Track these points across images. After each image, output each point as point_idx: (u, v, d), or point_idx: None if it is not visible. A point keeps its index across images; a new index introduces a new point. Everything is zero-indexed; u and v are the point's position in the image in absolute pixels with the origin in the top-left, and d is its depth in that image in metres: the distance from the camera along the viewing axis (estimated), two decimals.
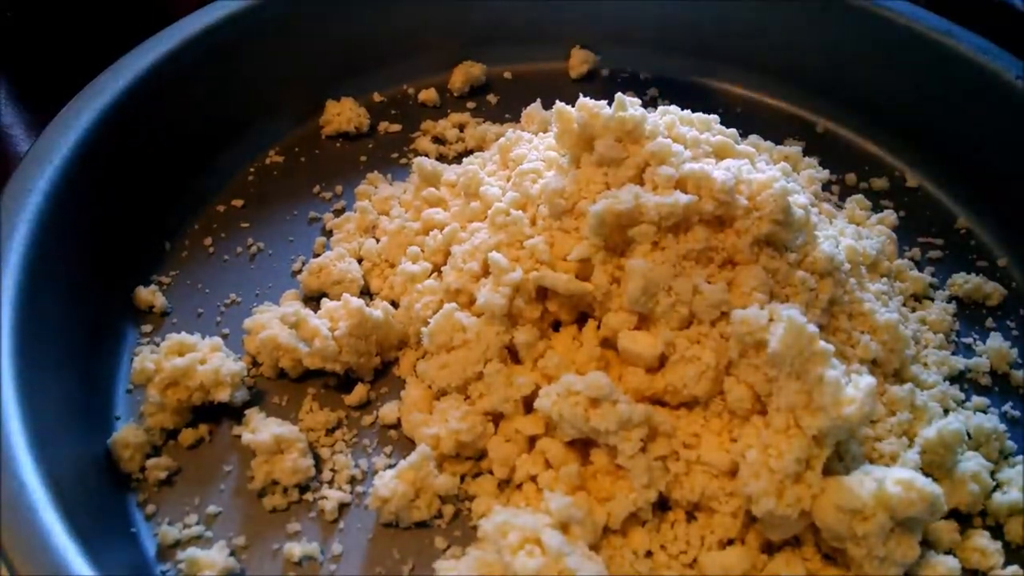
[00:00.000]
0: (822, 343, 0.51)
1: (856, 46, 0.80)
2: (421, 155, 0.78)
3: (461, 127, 0.82)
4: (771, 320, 0.53)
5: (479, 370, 0.58)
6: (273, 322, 0.62)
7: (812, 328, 0.52)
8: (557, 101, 0.61)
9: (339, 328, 0.61)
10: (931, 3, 0.79)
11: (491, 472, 0.58)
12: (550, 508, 0.53)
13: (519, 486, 0.57)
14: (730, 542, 0.54)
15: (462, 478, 0.58)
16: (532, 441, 0.58)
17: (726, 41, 0.84)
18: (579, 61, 0.87)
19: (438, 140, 0.81)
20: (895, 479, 0.49)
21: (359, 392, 0.62)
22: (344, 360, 0.61)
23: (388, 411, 0.62)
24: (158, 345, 0.62)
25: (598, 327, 0.59)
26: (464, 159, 0.76)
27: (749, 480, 0.52)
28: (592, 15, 0.87)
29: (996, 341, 0.66)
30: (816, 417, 0.51)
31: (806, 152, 0.79)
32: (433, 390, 0.61)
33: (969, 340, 0.68)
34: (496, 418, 0.59)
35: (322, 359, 0.61)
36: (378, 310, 0.63)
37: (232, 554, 0.54)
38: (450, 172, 0.72)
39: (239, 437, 0.59)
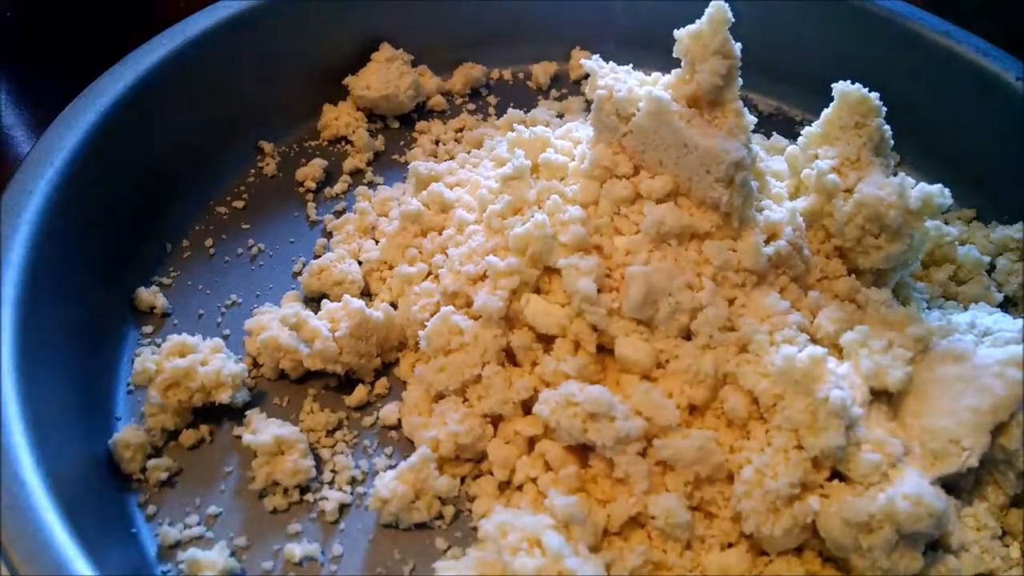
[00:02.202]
0: (831, 362, 0.52)
1: (856, 46, 0.80)
2: (421, 157, 0.78)
3: (460, 128, 0.82)
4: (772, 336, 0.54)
5: (477, 373, 0.58)
6: (273, 323, 0.63)
7: (819, 349, 0.52)
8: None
9: (340, 329, 0.61)
10: (931, 3, 0.79)
11: (491, 473, 0.58)
12: (555, 506, 0.53)
13: (520, 487, 0.57)
14: (730, 545, 0.54)
15: (462, 479, 0.58)
16: (531, 442, 0.58)
17: None
18: (579, 61, 0.87)
19: (438, 141, 0.81)
20: (903, 494, 0.49)
21: (359, 393, 0.62)
22: (345, 361, 0.61)
23: (389, 412, 0.62)
24: (159, 346, 0.62)
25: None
26: (460, 155, 0.76)
27: (742, 498, 0.52)
28: (592, 15, 0.87)
29: None
30: (819, 437, 0.51)
31: None
32: (431, 393, 0.61)
33: None
34: (495, 420, 0.59)
35: (323, 360, 0.61)
36: (378, 311, 0.63)
37: (233, 555, 0.54)
38: (448, 174, 0.72)
39: (240, 438, 0.59)
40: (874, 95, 0.61)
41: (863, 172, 0.59)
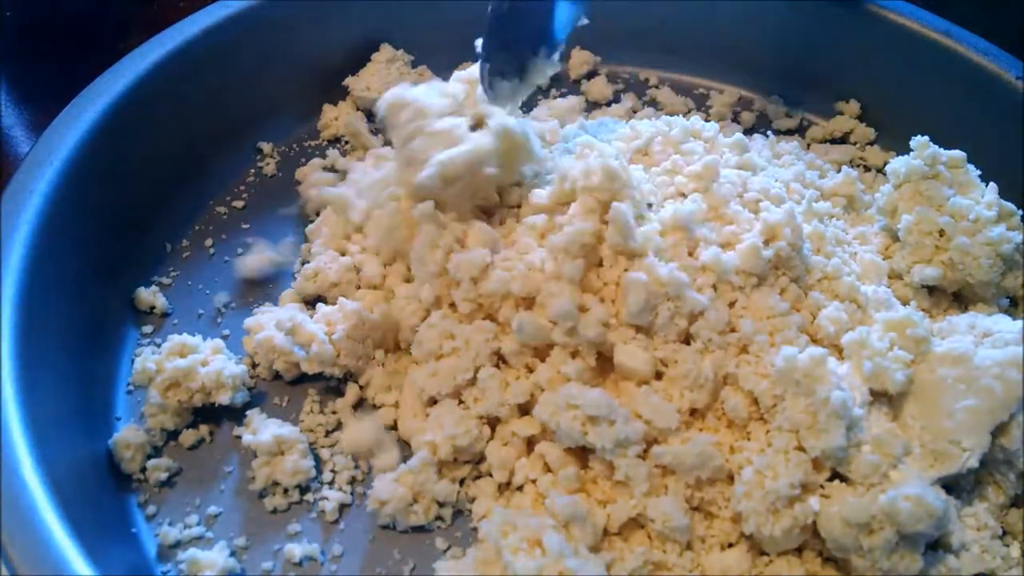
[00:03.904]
0: (832, 363, 0.51)
1: (856, 46, 0.80)
2: None
3: None
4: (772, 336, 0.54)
5: (470, 376, 0.58)
6: (271, 325, 0.62)
7: (820, 350, 0.52)
8: None
9: (336, 331, 0.61)
10: (931, 3, 0.79)
11: (491, 475, 0.58)
12: (555, 506, 0.53)
13: (520, 488, 0.57)
14: (730, 545, 0.54)
15: (461, 481, 0.58)
16: (530, 442, 0.58)
17: (726, 41, 0.84)
18: (579, 61, 0.87)
19: None
20: (904, 495, 0.49)
21: (357, 394, 0.62)
22: (342, 364, 0.61)
23: (387, 413, 0.61)
24: (159, 346, 0.62)
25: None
26: None
27: (742, 498, 0.52)
28: (592, 15, 0.86)
29: None
30: (820, 438, 0.51)
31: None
32: (424, 398, 0.60)
33: None
34: (492, 420, 0.59)
35: (320, 364, 0.61)
36: (374, 312, 0.63)
37: (232, 555, 0.55)
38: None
39: (240, 438, 0.59)
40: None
41: None
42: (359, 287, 0.67)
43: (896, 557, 0.50)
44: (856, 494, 0.51)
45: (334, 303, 0.64)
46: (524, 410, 0.58)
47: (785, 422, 0.53)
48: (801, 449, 0.52)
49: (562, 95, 0.86)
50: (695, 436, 0.54)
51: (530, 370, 0.59)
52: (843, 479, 0.53)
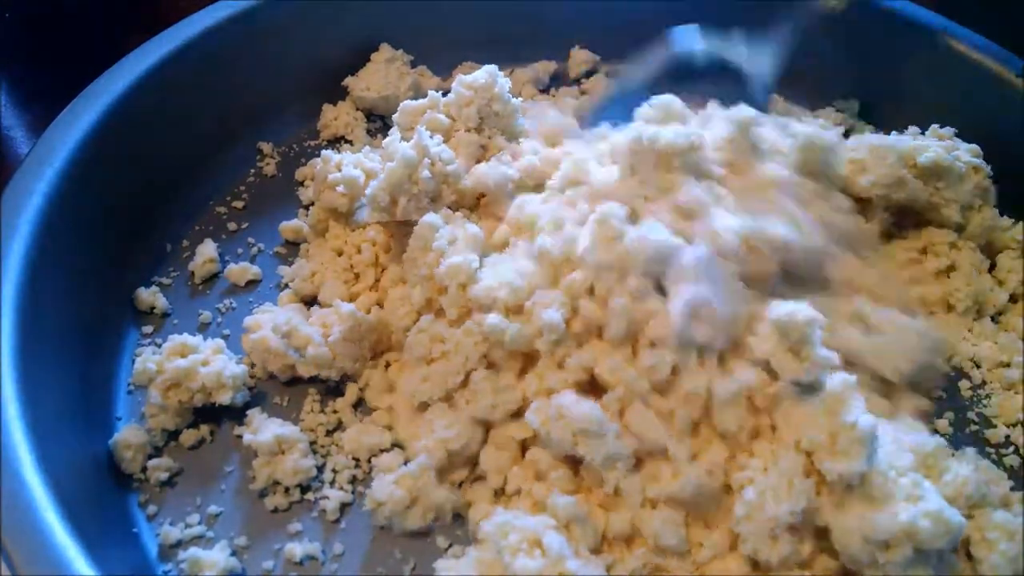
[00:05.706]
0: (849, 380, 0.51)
1: (856, 46, 0.80)
2: None
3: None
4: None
5: (460, 380, 0.57)
6: (268, 326, 0.62)
7: (851, 377, 0.51)
8: None
9: (332, 333, 0.61)
10: (932, 2, 0.79)
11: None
12: (556, 506, 0.53)
13: (518, 491, 0.57)
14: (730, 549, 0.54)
15: (459, 485, 0.58)
16: (524, 446, 0.57)
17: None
18: (579, 61, 0.87)
19: None
20: (924, 512, 0.48)
21: (357, 394, 0.62)
22: (339, 366, 0.61)
23: (384, 415, 0.61)
24: (159, 346, 0.62)
25: None
26: None
27: (742, 521, 0.51)
28: (592, 15, 0.87)
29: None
30: (839, 462, 0.50)
31: None
32: (414, 403, 0.59)
33: None
34: (486, 423, 0.58)
35: (316, 367, 0.61)
36: (370, 314, 0.63)
37: (233, 554, 0.54)
38: None
39: (240, 437, 0.59)
40: None
41: None
42: (355, 288, 0.67)
43: (910, 570, 0.49)
44: (872, 508, 0.50)
45: (330, 304, 0.64)
46: (517, 413, 0.57)
47: (804, 441, 0.51)
48: (807, 474, 0.51)
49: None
50: (690, 467, 0.53)
51: (523, 372, 0.58)
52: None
